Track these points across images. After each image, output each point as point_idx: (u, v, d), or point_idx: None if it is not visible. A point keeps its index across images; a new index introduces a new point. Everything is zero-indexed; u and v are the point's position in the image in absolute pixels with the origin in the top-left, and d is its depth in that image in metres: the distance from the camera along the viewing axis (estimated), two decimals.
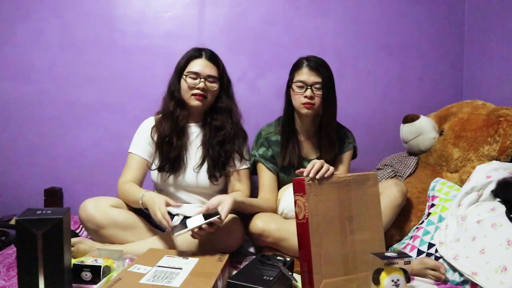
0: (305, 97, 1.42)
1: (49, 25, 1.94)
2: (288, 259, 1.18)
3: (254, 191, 1.59)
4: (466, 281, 1.16)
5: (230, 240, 1.35)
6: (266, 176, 1.53)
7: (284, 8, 2.03)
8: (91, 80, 1.97)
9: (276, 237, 1.34)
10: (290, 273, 1.11)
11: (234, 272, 1.13)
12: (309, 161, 1.55)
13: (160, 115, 1.51)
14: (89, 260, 1.16)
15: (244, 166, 1.55)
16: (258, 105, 2.02)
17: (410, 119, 1.76)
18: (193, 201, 1.53)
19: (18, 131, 1.95)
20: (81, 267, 1.13)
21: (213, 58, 1.48)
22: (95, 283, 1.10)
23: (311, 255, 1.08)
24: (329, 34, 2.06)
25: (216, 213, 1.20)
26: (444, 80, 2.14)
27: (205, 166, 1.48)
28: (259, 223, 1.36)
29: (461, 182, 1.49)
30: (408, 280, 1.02)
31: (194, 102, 1.45)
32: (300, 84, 1.43)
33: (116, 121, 1.99)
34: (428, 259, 1.27)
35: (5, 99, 1.94)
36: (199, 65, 1.45)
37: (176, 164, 1.47)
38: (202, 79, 1.43)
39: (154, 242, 1.34)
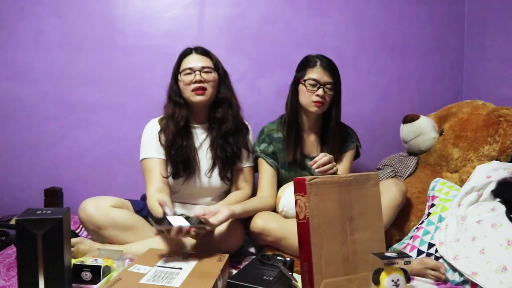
0: (317, 95, 1.43)
1: (49, 25, 1.94)
2: (288, 259, 1.18)
3: (255, 190, 1.59)
4: (466, 281, 1.16)
5: (230, 241, 1.35)
6: (266, 171, 1.53)
7: (284, 8, 2.03)
8: (91, 80, 1.97)
9: (277, 236, 1.34)
10: (290, 273, 1.11)
11: (234, 272, 1.13)
12: (311, 158, 1.55)
13: (164, 121, 1.49)
14: (89, 260, 1.16)
15: (248, 164, 1.56)
16: (258, 105, 2.02)
17: (410, 119, 1.76)
18: (207, 202, 1.54)
19: (18, 131, 1.95)
20: (81, 267, 1.13)
21: (204, 51, 1.49)
22: (95, 283, 1.10)
23: (312, 255, 1.08)
24: (329, 34, 2.06)
25: (203, 222, 1.18)
26: (444, 80, 2.14)
27: (216, 168, 1.49)
28: (259, 222, 1.36)
29: (461, 182, 1.48)
30: (408, 280, 1.02)
31: (196, 98, 1.43)
32: (313, 82, 1.44)
33: (116, 121, 1.99)
34: (428, 259, 1.27)
35: (5, 99, 1.94)
36: (191, 60, 1.46)
37: (188, 167, 1.45)
38: (197, 72, 1.42)
39: (154, 242, 1.34)
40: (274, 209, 1.52)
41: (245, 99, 2.00)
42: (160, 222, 1.14)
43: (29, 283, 0.96)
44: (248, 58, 2.03)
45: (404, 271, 1.01)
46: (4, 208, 1.89)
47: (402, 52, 2.10)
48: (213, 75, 1.45)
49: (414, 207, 1.56)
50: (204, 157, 1.50)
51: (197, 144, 1.50)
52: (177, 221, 1.14)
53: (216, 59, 1.51)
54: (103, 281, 1.09)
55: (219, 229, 1.34)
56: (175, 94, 1.48)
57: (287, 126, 1.53)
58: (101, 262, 1.15)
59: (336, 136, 1.53)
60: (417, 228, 1.46)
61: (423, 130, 1.73)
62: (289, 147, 1.51)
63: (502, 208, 1.25)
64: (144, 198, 1.64)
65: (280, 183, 1.57)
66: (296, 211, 1.16)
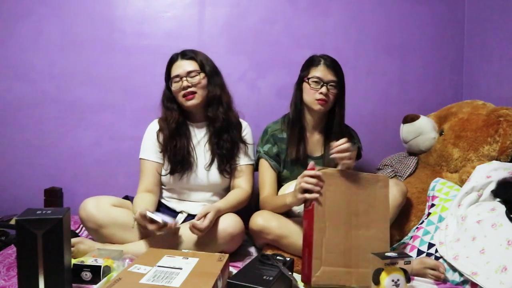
0: (320, 93, 1.45)
1: (49, 25, 1.94)
2: (288, 259, 1.18)
3: (254, 188, 1.60)
4: (466, 281, 1.16)
5: (230, 240, 1.35)
6: (268, 174, 1.53)
7: (284, 8, 2.03)
8: (91, 80, 1.97)
9: (277, 234, 1.35)
10: (290, 273, 1.11)
11: (234, 272, 1.13)
12: (313, 158, 1.56)
13: (160, 122, 1.55)
14: (89, 260, 1.16)
15: (247, 162, 1.56)
16: (258, 105, 2.02)
17: (410, 119, 1.76)
18: (202, 198, 1.54)
19: (18, 131, 1.95)
20: (81, 267, 1.13)
21: (188, 55, 1.49)
22: (95, 283, 1.10)
23: (313, 240, 1.09)
24: (329, 34, 2.06)
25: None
26: (444, 80, 2.14)
27: (215, 163, 1.51)
28: (259, 220, 1.37)
29: (461, 182, 1.48)
30: (408, 280, 1.02)
31: (187, 103, 1.47)
32: (316, 80, 1.46)
33: (116, 121, 1.99)
34: (428, 259, 1.28)
35: (5, 99, 1.94)
36: (177, 67, 1.48)
37: (184, 165, 1.48)
38: (184, 78, 1.45)
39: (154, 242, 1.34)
40: (255, 203, 1.55)
41: (245, 99, 2.01)
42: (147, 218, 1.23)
43: (29, 283, 0.96)
44: (248, 58, 2.03)
45: (404, 271, 1.02)
46: (4, 208, 1.89)
47: (402, 52, 2.10)
48: (199, 78, 1.46)
49: (414, 207, 1.56)
50: (203, 153, 1.52)
51: (195, 142, 1.54)
52: (153, 215, 1.23)
53: (202, 58, 1.50)
54: (103, 281, 1.09)
55: (219, 228, 1.34)
56: (166, 99, 1.52)
57: (291, 125, 1.54)
58: (101, 262, 1.15)
59: (340, 135, 1.52)
60: (417, 228, 1.46)
61: (423, 130, 1.73)
62: (292, 145, 1.52)
63: (502, 208, 1.25)
64: None
65: (282, 183, 1.57)
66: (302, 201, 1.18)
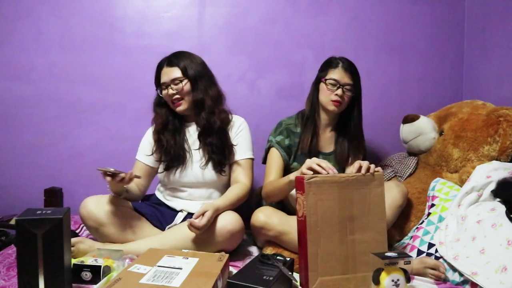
0: (336, 95, 1.48)
1: (49, 25, 1.94)
2: (288, 258, 1.18)
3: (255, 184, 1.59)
4: (466, 281, 1.16)
5: (230, 237, 1.35)
6: (276, 161, 1.54)
7: (284, 8, 2.03)
8: (91, 80, 1.97)
9: (278, 231, 1.35)
10: (290, 273, 1.11)
11: (234, 272, 1.13)
12: (324, 154, 1.59)
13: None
14: (89, 260, 1.16)
15: (246, 156, 1.55)
16: (258, 105, 2.02)
17: (410, 119, 1.75)
18: (198, 195, 1.55)
19: (18, 131, 1.95)
20: (81, 267, 1.13)
21: (172, 61, 1.50)
22: (95, 283, 1.10)
23: (308, 252, 1.08)
24: (329, 34, 2.06)
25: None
26: (444, 80, 2.14)
27: (210, 163, 1.51)
28: (261, 216, 1.37)
29: (461, 182, 1.48)
30: (408, 280, 1.02)
31: (177, 109, 1.51)
32: (333, 82, 1.49)
33: (116, 121, 1.99)
34: (428, 259, 1.28)
35: (5, 99, 1.94)
36: (163, 74, 1.50)
37: (178, 159, 1.51)
38: (169, 86, 1.48)
39: (154, 242, 1.34)
40: (256, 202, 1.55)
41: (245, 99, 2.01)
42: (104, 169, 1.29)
43: (29, 283, 0.96)
44: (248, 58, 2.03)
45: (404, 271, 1.02)
46: (4, 208, 1.89)
47: (402, 52, 2.10)
48: (181, 85, 1.47)
49: (414, 207, 1.56)
50: (197, 152, 1.54)
51: (191, 141, 1.56)
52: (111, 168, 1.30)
53: (186, 63, 1.49)
54: (103, 281, 1.09)
55: (219, 226, 1.34)
56: (156, 104, 1.56)
57: (305, 121, 1.57)
58: (101, 262, 1.15)
59: (358, 136, 1.59)
60: (417, 228, 1.46)
61: (423, 130, 1.73)
62: (305, 140, 1.54)
63: (502, 208, 1.25)
64: (145, 198, 1.65)
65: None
66: (296, 209, 1.16)
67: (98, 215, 1.35)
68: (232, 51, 2.01)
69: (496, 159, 1.52)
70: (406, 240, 1.46)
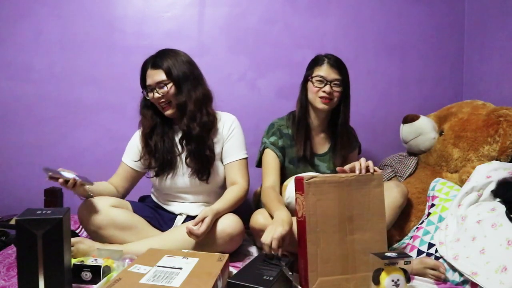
0: (324, 91, 1.46)
1: (49, 25, 1.94)
2: (288, 259, 1.18)
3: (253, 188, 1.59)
4: (466, 281, 1.16)
5: (229, 240, 1.35)
6: (273, 162, 1.52)
7: (284, 8, 2.03)
8: (91, 80, 1.97)
9: None
10: (291, 273, 1.11)
11: (234, 272, 1.13)
12: (318, 155, 1.57)
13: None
14: (89, 260, 1.16)
15: (239, 157, 1.51)
16: (258, 105, 2.02)
17: (410, 119, 1.75)
18: (193, 199, 1.54)
19: (18, 131, 1.95)
20: (81, 267, 1.13)
21: (155, 63, 1.43)
22: (95, 283, 1.10)
23: (307, 253, 1.08)
24: (329, 34, 2.06)
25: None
26: (444, 80, 2.14)
27: (192, 168, 1.47)
28: (260, 218, 1.36)
29: (461, 182, 1.48)
30: (408, 280, 1.02)
31: (165, 113, 1.46)
32: (320, 79, 1.47)
33: (116, 121, 1.99)
34: (428, 259, 1.28)
35: (5, 99, 1.94)
36: (148, 77, 1.45)
37: (167, 165, 1.48)
38: (154, 90, 1.43)
39: (154, 242, 1.34)
40: (255, 202, 1.53)
41: (245, 99, 2.01)
42: (50, 171, 1.24)
43: (29, 283, 0.96)
44: (248, 58, 2.03)
45: (404, 271, 1.01)
46: (4, 208, 1.89)
47: (402, 52, 2.10)
48: (166, 89, 1.42)
49: (414, 207, 1.56)
50: (183, 158, 1.49)
51: (180, 147, 1.50)
52: (66, 174, 1.27)
53: (170, 64, 1.42)
54: (103, 281, 1.09)
55: (218, 229, 1.34)
56: (143, 106, 1.52)
57: (297, 123, 1.54)
58: (101, 262, 1.15)
59: (345, 133, 1.56)
60: (417, 228, 1.46)
61: (423, 130, 1.73)
62: (299, 144, 1.53)
63: (502, 208, 1.25)
64: (141, 199, 1.65)
65: (286, 177, 1.56)
66: (295, 209, 1.16)
67: (97, 217, 1.34)
68: (232, 51, 2.01)
69: (496, 159, 1.52)
70: (406, 240, 1.46)
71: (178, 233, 1.36)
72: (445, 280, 1.22)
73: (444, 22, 2.12)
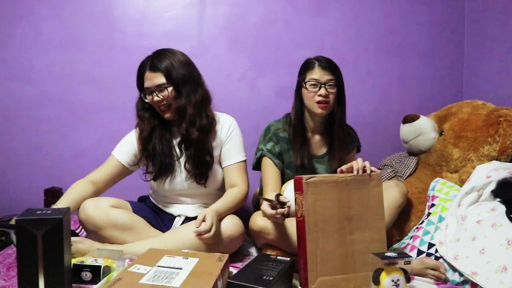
0: (319, 95, 1.43)
1: (49, 25, 1.94)
2: (288, 259, 1.18)
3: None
4: (466, 281, 1.16)
5: (229, 242, 1.35)
6: (272, 172, 1.50)
7: (284, 8, 2.03)
8: (91, 80, 1.97)
9: (277, 235, 1.34)
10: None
11: (234, 272, 1.13)
12: (317, 157, 1.56)
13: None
14: (89, 260, 1.15)
15: (237, 160, 1.50)
16: (258, 105, 2.02)
17: (410, 119, 1.75)
18: (191, 201, 1.53)
19: (18, 131, 1.95)
20: (81, 267, 1.12)
21: (153, 65, 1.39)
22: (95, 283, 1.10)
23: (307, 252, 1.09)
24: (329, 34, 2.06)
25: None
26: (444, 80, 2.14)
27: (191, 172, 1.46)
28: (259, 220, 1.36)
29: (461, 182, 1.48)
30: (408, 280, 1.02)
31: (164, 116, 1.43)
32: (313, 82, 1.43)
33: (116, 121, 1.99)
34: (428, 259, 1.27)
35: (5, 99, 1.94)
36: (146, 79, 1.40)
37: (165, 169, 1.46)
38: (153, 93, 1.39)
39: (154, 242, 1.34)
40: (255, 203, 1.52)
41: (245, 99, 2.01)
42: None
43: (29, 283, 0.96)
44: (248, 58, 2.03)
45: (404, 271, 1.01)
46: (4, 208, 1.89)
47: (402, 52, 2.11)
48: (167, 93, 1.38)
49: (414, 207, 1.56)
50: (182, 160, 1.47)
51: (178, 150, 1.48)
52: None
53: (169, 66, 1.38)
54: (103, 281, 1.09)
55: (220, 229, 1.34)
56: (140, 108, 1.47)
57: (293, 130, 1.51)
58: (101, 262, 1.15)
59: (341, 135, 1.52)
60: (417, 228, 1.46)
61: (423, 130, 1.73)
62: (296, 151, 1.50)
63: (502, 208, 1.25)
64: (141, 199, 1.65)
65: (285, 182, 1.56)
66: (295, 209, 1.16)
67: (97, 218, 1.33)
68: (232, 51, 2.01)
69: (496, 159, 1.52)
70: (406, 240, 1.46)
71: (179, 233, 1.36)
72: (445, 280, 1.22)
73: (444, 22, 2.12)
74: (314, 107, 1.45)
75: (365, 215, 1.16)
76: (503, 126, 1.52)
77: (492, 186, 1.34)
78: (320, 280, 1.09)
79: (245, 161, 1.53)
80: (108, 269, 1.15)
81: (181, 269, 1.04)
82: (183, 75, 1.40)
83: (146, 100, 1.43)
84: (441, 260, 1.27)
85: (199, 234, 1.26)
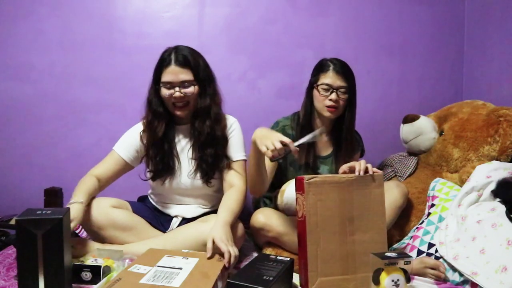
0: (330, 100, 1.42)
1: (49, 25, 1.94)
2: (288, 259, 1.18)
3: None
4: (466, 281, 1.16)
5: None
6: (268, 163, 1.46)
7: (284, 8, 2.03)
8: (91, 80, 1.97)
9: (278, 232, 1.34)
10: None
11: (234, 272, 1.13)
12: (321, 158, 1.56)
13: (144, 124, 1.47)
14: (89, 260, 1.16)
15: (237, 158, 1.48)
16: (258, 105, 2.02)
17: (410, 119, 1.75)
18: (190, 201, 1.53)
19: (18, 131, 1.95)
20: (81, 267, 1.13)
21: (184, 61, 1.36)
22: (95, 283, 1.10)
23: (307, 253, 1.09)
24: (329, 34, 2.06)
25: None
26: (444, 80, 2.14)
27: (199, 172, 1.45)
28: (261, 217, 1.36)
29: (461, 182, 1.49)
30: (408, 280, 1.02)
31: (177, 113, 1.40)
32: (326, 87, 1.43)
33: (116, 121, 1.99)
34: (428, 258, 1.28)
35: (5, 99, 1.94)
36: (170, 73, 1.35)
37: (167, 171, 1.45)
38: (176, 88, 1.35)
39: (154, 242, 1.34)
40: (255, 203, 1.51)
41: (245, 99, 2.01)
42: None
43: (29, 283, 0.96)
44: (248, 58, 2.03)
45: (404, 271, 1.02)
46: (4, 208, 1.89)
47: (402, 52, 2.10)
48: (193, 90, 1.37)
49: (414, 207, 1.56)
50: (186, 160, 1.47)
51: (179, 148, 1.48)
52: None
53: (197, 65, 1.38)
54: (103, 281, 1.09)
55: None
56: (155, 103, 1.42)
57: (301, 130, 1.51)
58: (101, 262, 1.15)
59: (349, 139, 1.53)
60: (417, 228, 1.46)
61: (423, 130, 1.73)
62: (302, 151, 1.48)
63: (502, 208, 1.25)
64: (140, 199, 1.65)
65: (287, 179, 1.55)
66: (296, 209, 1.16)
67: (97, 218, 1.33)
68: (232, 51, 2.01)
69: (496, 159, 1.52)
70: (406, 240, 1.46)
71: (179, 234, 1.36)
72: (445, 280, 1.22)
73: (444, 22, 2.12)
74: (323, 110, 1.45)
75: (366, 216, 1.16)
76: (503, 126, 1.52)
77: (492, 186, 1.34)
78: (320, 281, 1.09)
79: (244, 160, 1.52)
80: (108, 269, 1.15)
81: (181, 269, 1.05)
82: (208, 75, 1.42)
83: (162, 93, 1.38)
84: (441, 260, 1.27)
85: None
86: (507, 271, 1.05)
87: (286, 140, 1.16)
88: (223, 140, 1.44)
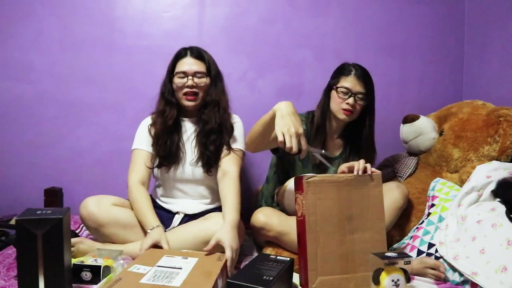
0: (347, 103, 1.44)
1: (49, 25, 1.94)
2: (288, 259, 1.18)
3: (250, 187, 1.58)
4: (466, 281, 1.16)
5: None
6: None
7: (284, 8, 2.03)
8: (91, 80, 1.97)
9: (278, 231, 1.35)
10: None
11: (235, 272, 1.13)
12: (332, 158, 1.57)
13: (154, 115, 1.54)
14: (89, 260, 1.16)
15: (235, 146, 1.50)
16: (258, 105, 2.02)
17: (410, 119, 1.76)
18: (193, 192, 1.54)
19: (18, 131, 1.95)
20: (81, 267, 1.13)
21: (198, 54, 1.49)
22: (95, 283, 1.10)
23: (307, 252, 1.09)
24: (329, 34, 2.06)
25: None
26: (444, 80, 2.14)
27: (201, 162, 1.49)
28: (261, 217, 1.37)
29: (461, 182, 1.49)
30: (408, 280, 1.02)
31: (186, 102, 1.48)
32: (345, 90, 1.45)
33: (116, 121, 1.99)
34: (428, 258, 1.28)
35: (5, 99, 1.94)
36: (184, 63, 1.47)
37: (173, 158, 1.49)
38: (190, 77, 1.45)
39: None
40: (255, 202, 1.51)
41: (245, 99, 2.01)
42: None
43: (29, 283, 0.96)
44: (248, 58, 2.03)
45: (404, 271, 1.02)
46: (4, 208, 1.89)
47: (402, 52, 2.10)
48: (205, 80, 1.48)
49: (414, 207, 1.56)
50: (191, 149, 1.52)
51: (185, 137, 1.53)
52: None
53: (210, 60, 1.51)
54: (103, 281, 1.09)
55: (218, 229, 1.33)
56: (168, 92, 1.51)
57: (315, 129, 1.52)
58: (101, 262, 1.15)
59: (369, 145, 1.55)
60: (417, 228, 1.46)
61: (423, 130, 1.73)
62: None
63: (502, 208, 1.25)
64: None
65: (295, 175, 1.55)
66: (295, 209, 1.17)
67: (99, 215, 1.34)
68: (232, 51, 2.01)
69: (496, 159, 1.52)
70: (406, 240, 1.46)
71: (179, 234, 1.36)
72: (445, 280, 1.22)
73: (444, 22, 2.12)
74: (338, 112, 1.47)
75: (365, 215, 1.16)
76: (503, 126, 1.52)
77: (492, 186, 1.34)
78: (320, 280, 1.09)
79: (242, 152, 1.53)
80: (108, 269, 1.15)
81: (181, 269, 1.04)
82: (219, 73, 1.54)
83: (175, 83, 1.47)
84: (441, 260, 1.27)
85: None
86: (507, 271, 1.05)
87: (303, 143, 1.16)
88: (228, 129, 1.50)
